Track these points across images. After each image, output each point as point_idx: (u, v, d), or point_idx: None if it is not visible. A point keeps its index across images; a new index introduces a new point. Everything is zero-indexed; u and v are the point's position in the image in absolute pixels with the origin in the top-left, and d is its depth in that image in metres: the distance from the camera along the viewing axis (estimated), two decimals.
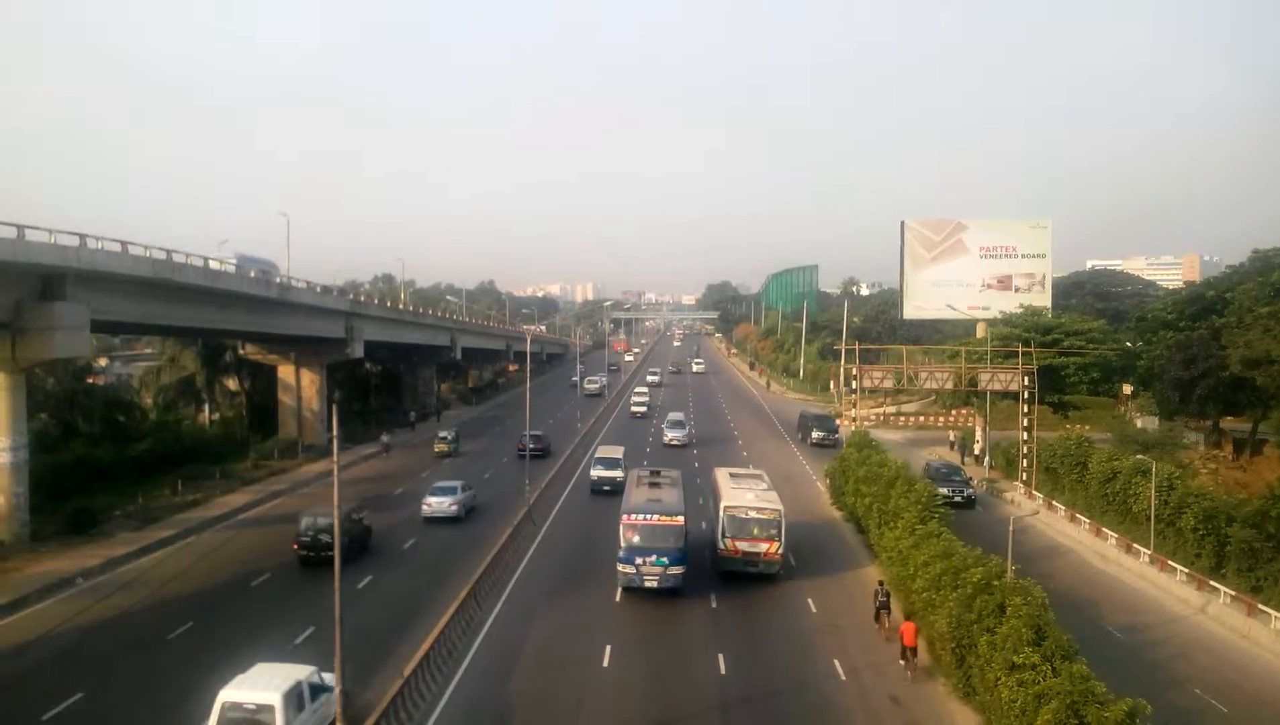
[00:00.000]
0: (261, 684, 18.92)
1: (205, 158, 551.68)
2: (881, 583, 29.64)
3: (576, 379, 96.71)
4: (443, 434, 61.67)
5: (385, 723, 19.67)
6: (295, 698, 18.98)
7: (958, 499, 45.04)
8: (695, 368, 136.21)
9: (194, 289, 44.97)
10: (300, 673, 19.81)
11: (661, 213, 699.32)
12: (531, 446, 51.39)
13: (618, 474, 46.55)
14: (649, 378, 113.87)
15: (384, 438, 62.69)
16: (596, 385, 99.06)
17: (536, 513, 41.55)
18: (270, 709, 18.29)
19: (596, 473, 48.75)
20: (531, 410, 50.54)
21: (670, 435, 64.58)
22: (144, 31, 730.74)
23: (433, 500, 41.63)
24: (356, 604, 27.34)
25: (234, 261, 52.12)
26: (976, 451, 61.08)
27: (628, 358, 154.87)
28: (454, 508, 41.42)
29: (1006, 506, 46.23)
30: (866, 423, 55.67)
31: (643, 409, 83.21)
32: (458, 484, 43.17)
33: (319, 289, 61.12)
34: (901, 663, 25.12)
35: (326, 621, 21.08)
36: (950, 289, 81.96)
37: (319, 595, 28.73)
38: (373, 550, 36.24)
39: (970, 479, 49.43)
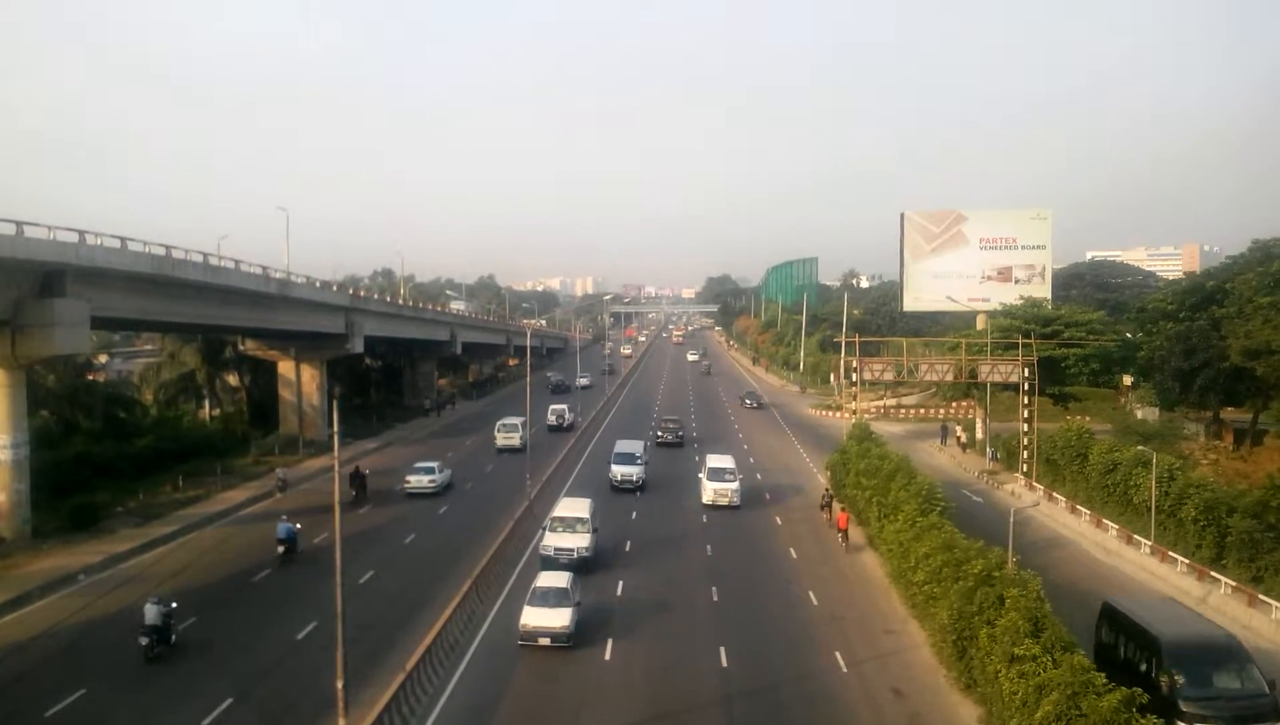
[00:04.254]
0: None
1: (203, 154, 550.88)
2: (827, 489, 43.34)
3: (609, 350, 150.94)
4: (552, 373, 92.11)
5: None
6: None
7: None
8: (719, 492, 43.97)
9: (194, 285, 44.95)
10: None
11: (661, 207, 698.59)
12: (607, 368, 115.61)
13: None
14: (616, 472, 47.78)
15: (279, 473, 47.12)
16: (630, 349, 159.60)
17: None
18: None
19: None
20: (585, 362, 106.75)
21: None
22: (142, 28, 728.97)
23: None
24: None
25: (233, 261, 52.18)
26: (964, 438, 60.92)
27: (641, 338, 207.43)
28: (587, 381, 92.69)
29: (1007, 498, 46.30)
30: (867, 415, 55.73)
31: (552, 634, 25.61)
32: (594, 377, 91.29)
33: (318, 284, 61.08)
34: (839, 536, 37.26)
35: (329, 615, 21.13)
36: (950, 281, 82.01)
37: (321, 589, 28.80)
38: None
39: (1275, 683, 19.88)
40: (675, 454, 59.52)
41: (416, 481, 45.64)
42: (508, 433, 59.78)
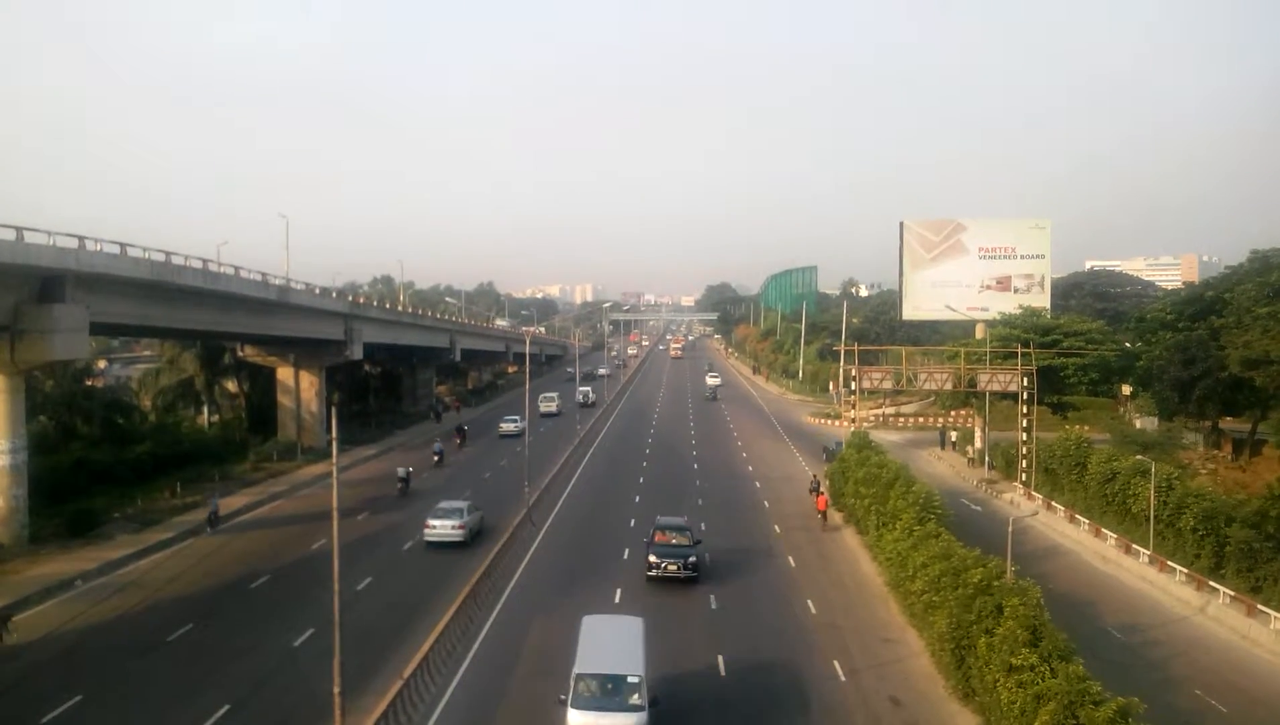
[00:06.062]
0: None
1: (204, 159, 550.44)
2: (815, 476, 47.81)
3: (617, 352, 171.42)
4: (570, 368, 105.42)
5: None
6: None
7: None
8: None
9: (193, 291, 44.98)
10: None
11: (661, 214, 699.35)
12: (616, 363, 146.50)
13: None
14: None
15: (211, 502, 41.75)
16: (635, 350, 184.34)
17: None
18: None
19: None
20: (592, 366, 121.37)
21: None
22: (142, 31, 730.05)
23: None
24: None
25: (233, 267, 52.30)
26: (972, 453, 60.74)
27: (644, 342, 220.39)
28: (606, 371, 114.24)
29: (1006, 507, 46.26)
30: (866, 424, 55.73)
31: None
32: (610, 369, 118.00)
33: (318, 291, 61.13)
34: (818, 520, 41.67)
35: (326, 623, 21.10)
36: (949, 290, 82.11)
37: (318, 597, 28.75)
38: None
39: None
40: (681, 603, 30.41)
41: (506, 427, 68.91)
42: (548, 402, 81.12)
